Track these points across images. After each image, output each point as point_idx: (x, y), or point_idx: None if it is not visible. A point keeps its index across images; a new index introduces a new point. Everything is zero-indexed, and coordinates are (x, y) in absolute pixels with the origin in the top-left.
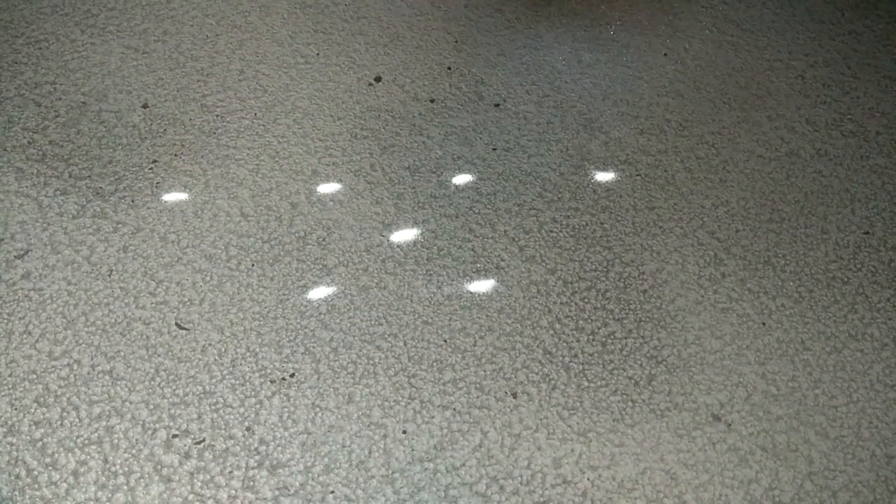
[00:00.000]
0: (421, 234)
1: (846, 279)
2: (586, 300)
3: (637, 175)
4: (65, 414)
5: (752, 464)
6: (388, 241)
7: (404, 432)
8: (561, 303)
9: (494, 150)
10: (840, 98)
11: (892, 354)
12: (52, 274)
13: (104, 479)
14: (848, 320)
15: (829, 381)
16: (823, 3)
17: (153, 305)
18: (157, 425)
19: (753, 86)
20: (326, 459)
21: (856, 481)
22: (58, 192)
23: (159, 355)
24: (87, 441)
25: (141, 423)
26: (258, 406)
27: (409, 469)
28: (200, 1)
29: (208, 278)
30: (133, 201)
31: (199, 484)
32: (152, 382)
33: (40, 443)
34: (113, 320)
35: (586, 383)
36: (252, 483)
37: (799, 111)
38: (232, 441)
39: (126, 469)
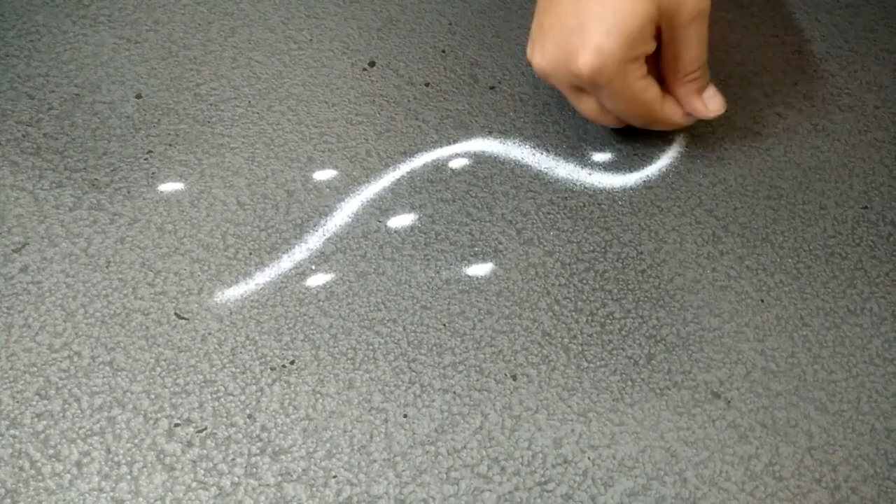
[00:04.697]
0: (418, 218)
1: (845, 254)
2: (584, 281)
3: (634, 154)
4: (66, 406)
5: (752, 440)
6: (386, 226)
7: (405, 416)
8: (559, 284)
9: (490, 133)
10: (837, 73)
11: (891, 329)
12: (49, 267)
13: (107, 469)
14: (847, 295)
15: (828, 356)
16: None
17: (152, 296)
18: (159, 415)
19: (749, 62)
20: (328, 445)
21: (855, 455)
22: (54, 185)
23: (159, 345)
24: (89, 432)
25: (143, 412)
26: (259, 393)
27: (411, 452)
28: None
29: (206, 268)
30: (129, 192)
31: (202, 472)
32: (153, 372)
33: (43, 435)
34: (112, 311)
35: (586, 364)
36: (255, 470)
37: (795, 87)
38: (234, 429)
39: (129, 459)
